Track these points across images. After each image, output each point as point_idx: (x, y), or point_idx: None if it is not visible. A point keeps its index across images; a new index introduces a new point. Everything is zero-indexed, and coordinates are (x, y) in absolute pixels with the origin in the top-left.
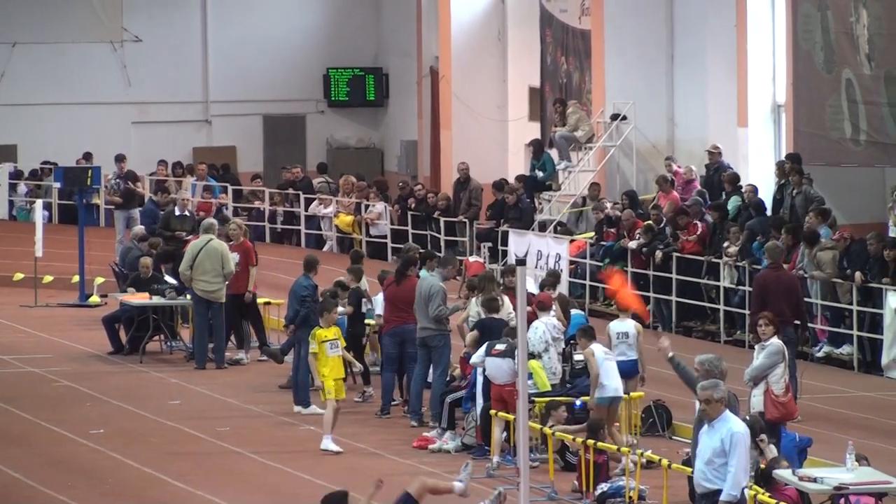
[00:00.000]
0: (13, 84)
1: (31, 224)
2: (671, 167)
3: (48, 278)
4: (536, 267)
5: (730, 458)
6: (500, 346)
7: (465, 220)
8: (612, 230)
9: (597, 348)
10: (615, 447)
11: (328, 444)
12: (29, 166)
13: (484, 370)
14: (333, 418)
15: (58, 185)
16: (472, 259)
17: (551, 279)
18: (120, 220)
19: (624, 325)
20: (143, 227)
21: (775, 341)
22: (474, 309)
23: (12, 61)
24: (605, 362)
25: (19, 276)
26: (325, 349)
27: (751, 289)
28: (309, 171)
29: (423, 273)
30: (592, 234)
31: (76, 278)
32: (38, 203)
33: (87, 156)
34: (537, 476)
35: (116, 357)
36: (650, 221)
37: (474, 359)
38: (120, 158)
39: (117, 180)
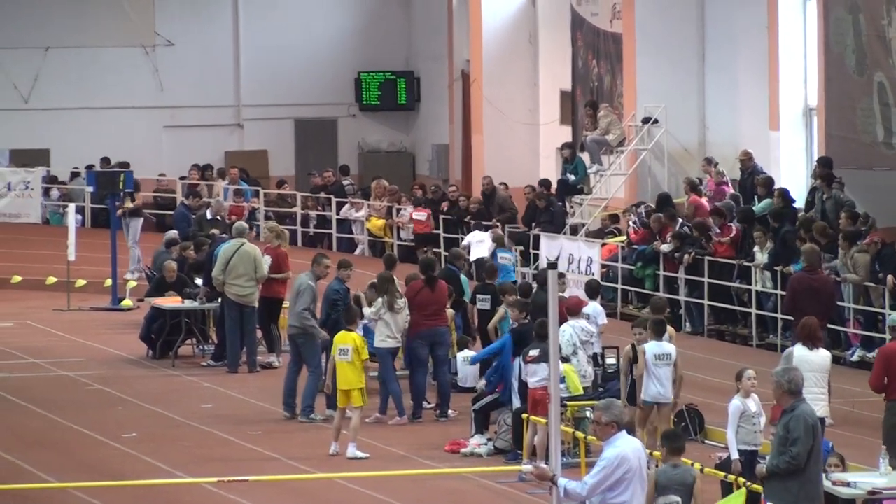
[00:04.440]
0: (46, 89)
1: (64, 228)
2: (708, 168)
3: (81, 282)
4: (568, 270)
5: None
6: (533, 352)
7: (498, 223)
8: (637, 230)
9: (650, 348)
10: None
11: (333, 447)
12: (61, 171)
13: (520, 374)
14: (355, 424)
15: (90, 189)
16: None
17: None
18: (134, 227)
19: None
20: (174, 231)
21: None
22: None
23: (45, 66)
24: (655, 366)
25: (52, 279)
26: (336, 354)
27: (784, 293)
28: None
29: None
30: (624, 237)
31: (108, 282)
32: (71, 207)
33: (106, 161)
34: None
35: (148, 361)
36: (685, 227)
37: (522, 375)
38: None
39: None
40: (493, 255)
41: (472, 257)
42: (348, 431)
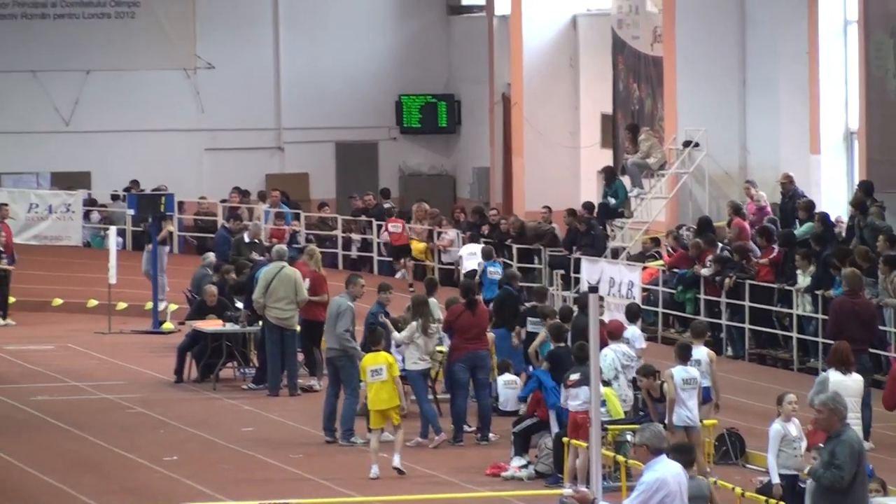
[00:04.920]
0: (87, 111)
1: (105, 251)
2: (750, 191)
3: (122, 305)
4: (609, 294)
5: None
6: (574, 377)
7: (540, 246)
8: (671, 253)
9: (678, 373)
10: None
11: (373, 470)
12: (102, 194)
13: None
14: (375, 447)
15: (131, 211)
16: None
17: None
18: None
19: (697, 353)
20: (212, 253)
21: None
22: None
23: (86, 88)
24: (682, 390)
25: (93, 302)
26: (367, 375)
27: (825, 317)
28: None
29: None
30: (662, 262)
31: (149, 305)
32: (112, 230)
33: (136, 184)
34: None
35: (189, 384)
36: (725, 251)
37: (561, 402)
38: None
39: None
40: (484, 269)
41: (464, 270)
42: (393, 449)
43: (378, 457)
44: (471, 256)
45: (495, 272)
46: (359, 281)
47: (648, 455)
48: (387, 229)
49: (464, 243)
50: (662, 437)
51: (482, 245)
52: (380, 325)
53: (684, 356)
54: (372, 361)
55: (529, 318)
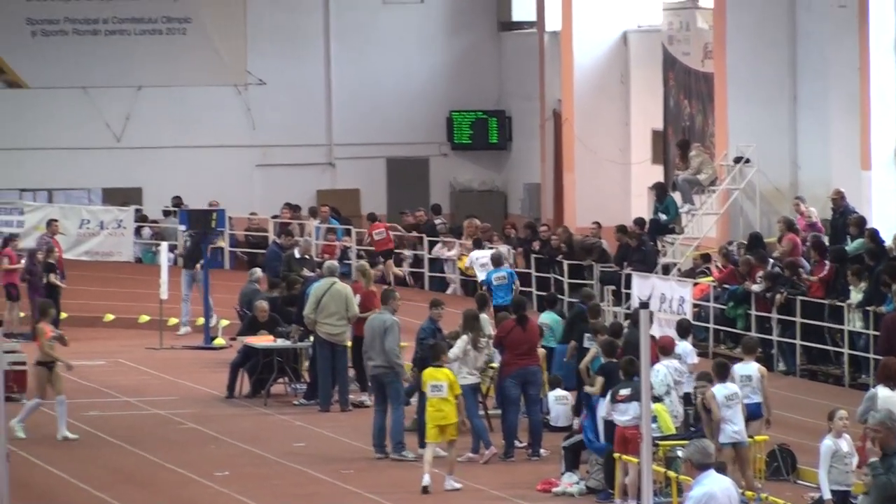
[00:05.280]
0: (138, 127)
1: (156, 267)
2: (799, 207)
3: (173, 321)
4: (660, 310)
5: None
6: (623, 392)
7: (591, 262)
8: (721, 269)
9: (719, 391)
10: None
11: (425, 479)
12: (153, 209)
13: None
14: (430, 459)
15: (182, 227)
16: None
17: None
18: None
19: (748, 368)
20: (259, 269)
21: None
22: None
23: (137, 104)
24: (725, 407)
25: (145, 318)
26: (427, 390)
27: (877, 333)
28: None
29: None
30: (712, 278)
31: (201, 320)
32: (164, 246)
33: (178, 200)
34: None
35: (241, 399)
36: (776, 267)
37: (603, 413)
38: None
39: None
40: (488, 276)
41: (480, 279)
42: (444, 465)
43: (431, 468)
44: (482, 268)
45: (501, 278)
46: (396, 295)
47: (694, 470)
48: (370, 234)
49: (514, 259)
50: (708, 452)
51: (490, 251)
52: (436, 340)
53: (722, 374)
54: (433, 376)
55: (587, 335)
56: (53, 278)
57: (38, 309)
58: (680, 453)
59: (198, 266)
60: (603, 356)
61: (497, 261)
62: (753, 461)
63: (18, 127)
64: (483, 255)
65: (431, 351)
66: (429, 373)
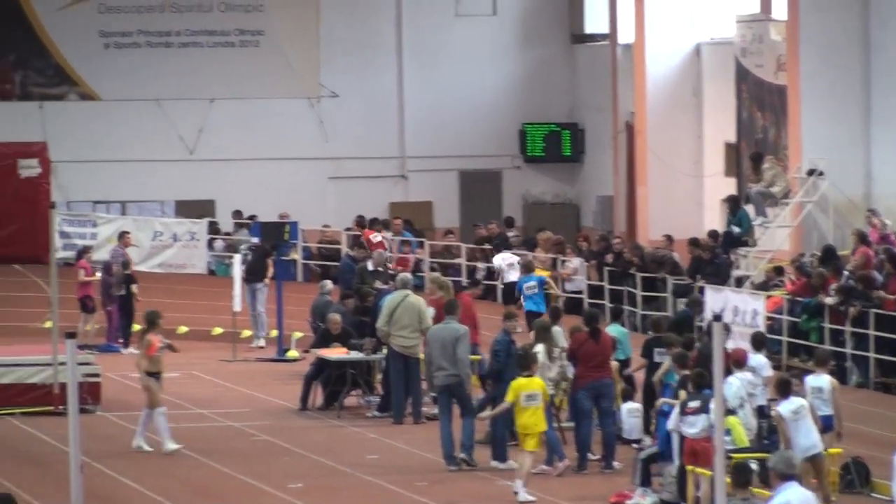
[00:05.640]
0: (211, 140)
1: (229, 279)
2: (871, 219)
3: (246, 333)
4: (733, 323)
5: None
6: (693, 404)
7: (664, 275)
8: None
9: (784, 408)
10: None
11: (519, 488)
12: (227, 222)
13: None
14: (528, 467)
15: (255, 239)
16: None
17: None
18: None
19: (819, 381)
20: (329, 281)
21: None
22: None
23: (210, 117)
24: (794, 422)
25: (218, 330)
26: (521, 400)
27: None
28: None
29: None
30: (785, 291)
31: (274, 333)
32: (237, 258)
33: (238, 213)
34: None
35: (314, 412)
36: (850, 280)
37: (671, 424)
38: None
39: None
40: (519, 284)
41: (506, 280)
42: (518, 476)
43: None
44: (510, 268)
45: (532, 287)
46: (459, 304)
47: (777, 480)
48: (367, 238)
49: (587, 272)
50: (792, 463)
51: (517, 257)
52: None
53: (785, 390)
54: (527, 386)
55: (656, 349)
56: (135, 289)
57: (146, 319)
58: (754, 466)
59: (266, 279)
60: (676, 369)
61: (528, 268)
62: (827, 474)
63: (92, 139)
64: (510, 257)
65: (521, 360)
66: (522, 383)
